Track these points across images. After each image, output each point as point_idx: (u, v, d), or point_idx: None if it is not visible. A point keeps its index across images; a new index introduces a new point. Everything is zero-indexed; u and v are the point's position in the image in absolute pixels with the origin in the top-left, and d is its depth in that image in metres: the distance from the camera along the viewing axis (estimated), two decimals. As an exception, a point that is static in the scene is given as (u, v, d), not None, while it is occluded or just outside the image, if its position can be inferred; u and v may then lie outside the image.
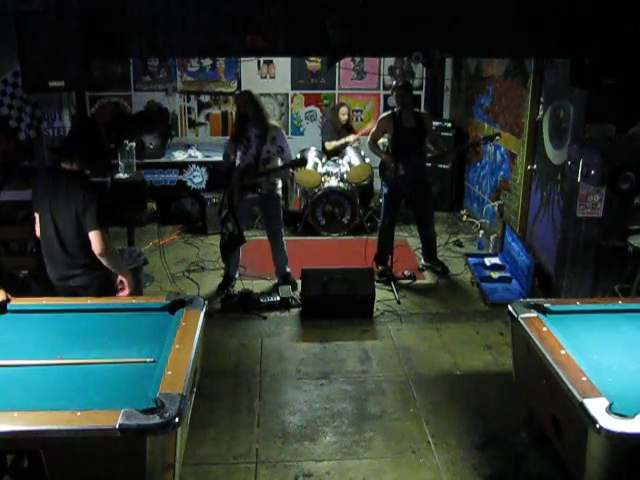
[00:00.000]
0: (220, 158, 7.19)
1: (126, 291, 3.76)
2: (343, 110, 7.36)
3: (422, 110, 7.88)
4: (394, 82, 7.67)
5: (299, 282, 5.37)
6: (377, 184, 7.02)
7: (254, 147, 5.27)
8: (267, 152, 5.28)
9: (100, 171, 3.97)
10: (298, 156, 7.19)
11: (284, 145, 5.35)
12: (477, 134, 7.36)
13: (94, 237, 3.49)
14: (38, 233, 3.72)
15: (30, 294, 4.17)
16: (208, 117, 8.09)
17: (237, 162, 5.36)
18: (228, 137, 5.62)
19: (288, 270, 5.67)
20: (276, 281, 5.70)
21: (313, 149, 7.45)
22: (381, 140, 6.04)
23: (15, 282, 5.14)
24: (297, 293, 5.42)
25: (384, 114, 5.97)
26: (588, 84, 4.19)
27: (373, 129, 5.90)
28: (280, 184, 5.59)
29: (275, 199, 5.50)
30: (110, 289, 3.76)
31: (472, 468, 3.43)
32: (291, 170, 6.24)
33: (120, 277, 3.76)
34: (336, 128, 7.42)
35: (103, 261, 3.57)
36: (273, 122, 5.47)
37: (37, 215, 3.69)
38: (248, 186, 5.31)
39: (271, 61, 7.97)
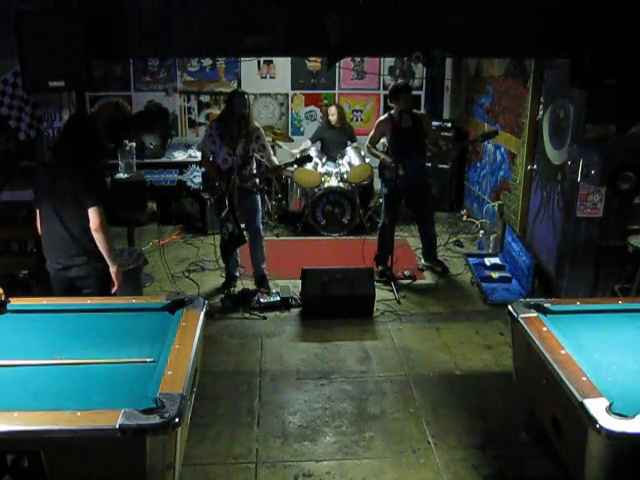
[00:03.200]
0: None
1: (115, 287, 3.82)
2: (331, 110, 7.37)
3: (422, 110, 7.93)
4: (394, 82, 7.68)
5: (299, 282, 5.35)
6: (377, 184, 7.02)
7: (241, 147, 5.24)
8: (252, 151, 5.30)
9: (96, 167, 4.01)
10: (298, 156, 7.20)
11: (266, 143, 5.38)
12: (477, 134, 7.36)
13: (92, 213, 3.62)
14: (39, 228, 3.80)
15: (30, 294, 4.18)
16: (208, 117, 8.07)
17: (218, 162, 5.30)
18: (204, 140, 5.46)
19: (265, 272, 5.60)
20: (277, 281, 5.68)
21: (313, 149, 7.45)
22: (381, 140, 6.04)
23: (15, 282, 5.14)
24: (297, 293, 5.42)
25: (381, 117, 5.97)
26: (588, 84, 4.19)
27: (371, 133, 5.90)
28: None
29: (254, 193, 5.44)
30: (109, 282, 3.80)
31: (472, 468, 3.42)
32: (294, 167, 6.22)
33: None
34: (327, 128, 7.42)
35: (97, 237, 3.65)
36: (255, 123, 5.47)
37: (38, 211, 3.78)
38: (242, 187, 5.28)
39: (271, 61, 7.98)
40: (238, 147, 5.24)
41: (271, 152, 5.49)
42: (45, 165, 3.92)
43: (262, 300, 5.31)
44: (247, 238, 5.47)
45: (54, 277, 3.86)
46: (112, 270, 3.78)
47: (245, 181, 5.29)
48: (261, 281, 5.60)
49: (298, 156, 6.91)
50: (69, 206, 3.65)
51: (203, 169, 5.90)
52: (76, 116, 4.36)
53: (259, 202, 5.55)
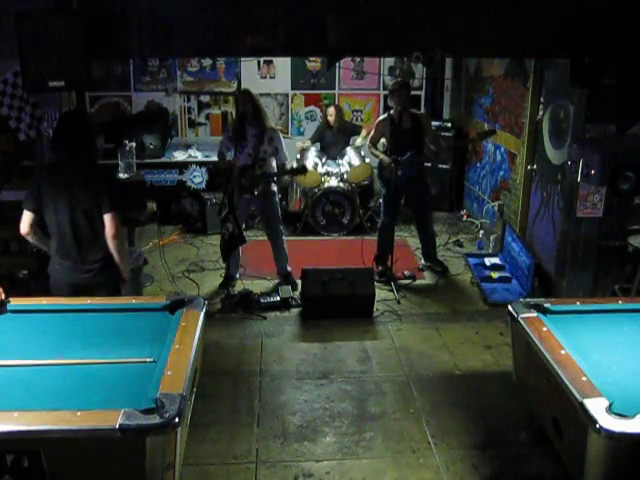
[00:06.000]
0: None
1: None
2: (330, 110, 7.34)
3: (422, 110, 7.93)
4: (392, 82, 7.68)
5: (299, 282, 5.37)
6: (377, 184, 7.02)
7: (250, 147, 5.27)
8: (264, 152, 5.29)
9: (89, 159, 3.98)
10: (298, 156, 7.21)
11: (279, 146, 5.36)
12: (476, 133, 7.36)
13: (109, 219, 3.59)
14: (24, 230, 3.69)
15: (30, 294, 4.18)
16: (208, 117, 8.09)
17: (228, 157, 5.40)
18: (223, 136, 5.60)
19: (289, 269, 5.67)
20: (276, 281, 5.70)
21: (313, 149, 7.45)
22: (381, 140, 6.04)
23: (15, 282, 5.13)
24: (297, 293, 5.42)
25: (381, 117, 5.97)
26: (588, 84, 4.19)
27: (371, 133, 5.91)
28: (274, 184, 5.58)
29: (271, 197, 5.49)
30: (116, 288, 3.82)
31: (472, 468, 3.43)
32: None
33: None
34: (326, 129, 7.41)
35: (112, 245, 3.64)
36: (271, 124, 5.49)
37: (28, 213, 3.65)
38: (245, 187, 5.31)
39: (271, 61, 7.98)
40: (248, 147, 5.26)
41: (285, 157, 5.44)
42: (50, 168, 3.86)
43: (262, 300, 5.31)
44: (267, 240, 5.55)
45: (59, 281, 3.76)
46: (123, 272, 3.81)
47: (256, 183, 5.30)
48: (286, 278, 5.64)
49: (295, 165, 6.81)
50: (80, 216, 3.59)
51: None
52: (69, 114, 4.32)
53: (276, 205, 5.56)
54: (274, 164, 5.39)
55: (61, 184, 3.59)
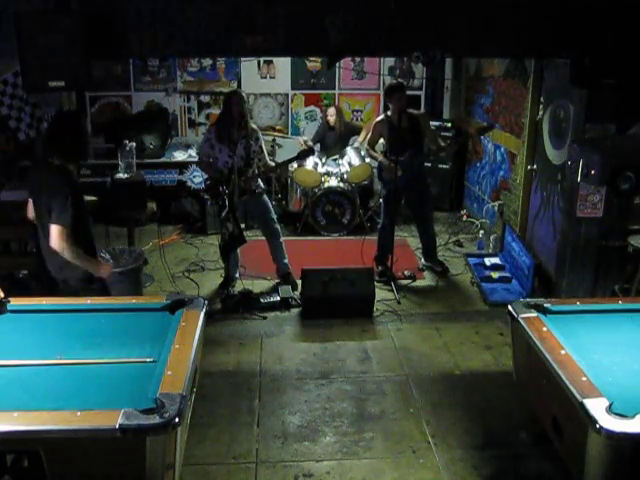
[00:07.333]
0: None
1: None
2: (330, 111, 7.36)
3: (422, 110, 7.93)
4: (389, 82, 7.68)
5: (299, 282, 5.36)
6: (377, 184, 7.02)
7: (242, 148, 5.24)
8: (253, 152, 5.29)
9: (76, 159, 3.79)
10: (302, 146, 7.21)
11: (263, 146, 5.43)
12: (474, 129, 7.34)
13: (52, 231, 3.38)
14: (30, 215, 3.77)
15: (30, 294, 4.18)
16: (208, 117, 8.08)
17: (220, 166, 5.29)
18: (203, 144, 5.48)
19: (289, 269, 5.65)
20: (276, 281, 5.69)
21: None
22: (380, 140, 6.03)
23: (15, 282, 5.14)
24: (297, 293, 5.42)
25: (378, 118, 5.93)
26: (588, 84, 4.19)
27: (369, 135, 5.89)
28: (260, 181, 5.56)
29: (260, 195, 5.47)
30: (91, 282, 3.68)
31: (472, 468, 3.42)
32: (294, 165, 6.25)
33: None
34: (327, 130, 7.42)
35: (62, 256, 3.44)
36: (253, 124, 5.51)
37: (31, 200, 3.73)
38: (245, 188, 5.29)
39: (271, 61, 7.98)
40: (238, 148, 5.24)
41: (267, 156, 5.51)
42: (36, 165, 3.84)
43: (262, 300, 5.31)
44: (265, 238, 5.56)
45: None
46: (98, 276, 3.64)
47: (249, 183, 5.29)
48: (286, 278, 5.62)
49: (301, 148, 6.85)
50: (44, 215, 3.51)
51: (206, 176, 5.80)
52: (61, 115, 4.26)
53: (268, 203, 5.57)
54: (259, 165, 5.39)
55: (34, 184, 3.62)
